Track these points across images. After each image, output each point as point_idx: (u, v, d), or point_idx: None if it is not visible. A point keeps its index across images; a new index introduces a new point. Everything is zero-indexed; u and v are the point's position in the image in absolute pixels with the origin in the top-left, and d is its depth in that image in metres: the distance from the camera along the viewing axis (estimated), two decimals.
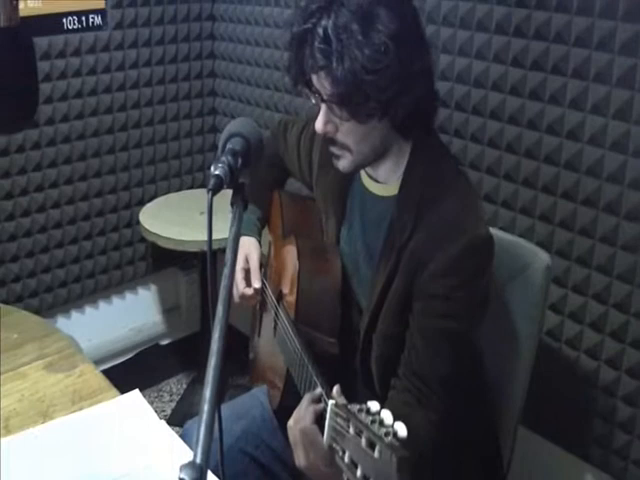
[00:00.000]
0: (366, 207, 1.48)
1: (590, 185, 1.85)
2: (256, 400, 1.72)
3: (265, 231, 1.84)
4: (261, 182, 1.82)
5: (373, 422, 0.95)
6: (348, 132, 1.34)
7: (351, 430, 0.99)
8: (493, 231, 1.45)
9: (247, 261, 1.68)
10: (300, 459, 1.25)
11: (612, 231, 1.83)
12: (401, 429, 0.93)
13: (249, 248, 1.70)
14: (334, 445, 1.07)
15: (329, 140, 1.37)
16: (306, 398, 1.26)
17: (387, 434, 0.92)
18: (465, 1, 2.02)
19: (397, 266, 1.36)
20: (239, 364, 1.88)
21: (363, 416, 0.98)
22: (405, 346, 1.37)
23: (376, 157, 1.40)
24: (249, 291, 1.65)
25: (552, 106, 1.89)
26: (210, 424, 0.79)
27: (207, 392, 0.82)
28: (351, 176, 1.50)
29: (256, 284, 1.64)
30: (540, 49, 1.88)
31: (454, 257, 1.30)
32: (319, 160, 1.61)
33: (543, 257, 1.58)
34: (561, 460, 2.07)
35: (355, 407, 1.00)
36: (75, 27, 2.60)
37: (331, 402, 1.12)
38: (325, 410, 1.14)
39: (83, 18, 2.61)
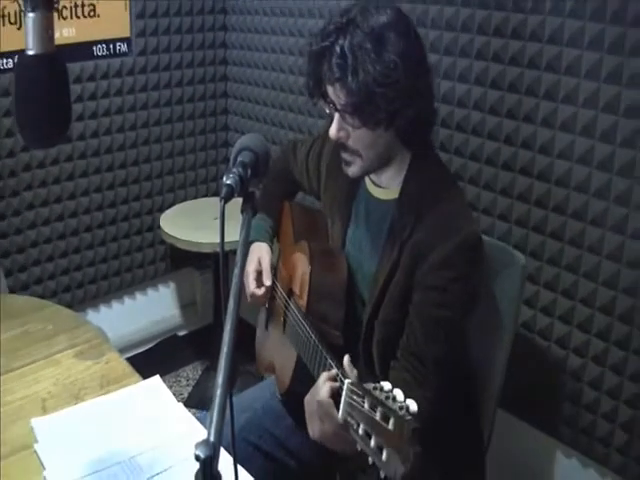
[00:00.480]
0: (370, 210, 1.49)
1: (560, 194, 1.85)
2: (259, 394, 1.70)
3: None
4: (273, 195, 1.82)
5: (387, 398, 0.96)
6: (358, 139, 1.35)
7: (366, 405, 1.00)
8: (484, 237, 1.45)
9: (259, 263, 1.67)
10: (315, 430, 1.26)
11: (579, 235, 1.83)
12: (412, 404, 0.94)
13: (261, 252, 1.69)
14: (349, 419, 1.07)
15: (341, 146, 1.38)
16: (323, 376, 1.26)
17: (401, 408, 0.93)
18: (449, 31, 2.02)
19: (399, 260, 1.37)
20: (249, 353, 1.87)
21: (377, 393, 0.98)
22: (404, 331, 1.38)
23: (381, 163, 1.41)
24: (259, 291, 1.64)
25: (526, 124, 1.89)
26: (222, 407, 0.79)
27: (219, 378, 0.81)
28: (357, 183, 1.51)
29: (267, 282, 1.63)
30: (515, 74, 1.88)
31: (450, 252, 1.31)
32: (327, 171, 1.62)
33: (519, 258, 1.58)
34: (534, 438, 2.07)
35: (370, 385, 1.01)
36: (104, 54, 2.60)
37: (347, 381, 1.12)
38: (341, 388, 1.14)
39: (111, 46, 2.62)
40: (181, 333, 3.21)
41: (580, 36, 1.72)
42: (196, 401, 2.72)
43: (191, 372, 3.06)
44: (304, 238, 1.59)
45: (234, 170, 1.01)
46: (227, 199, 0.97)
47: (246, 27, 2.83)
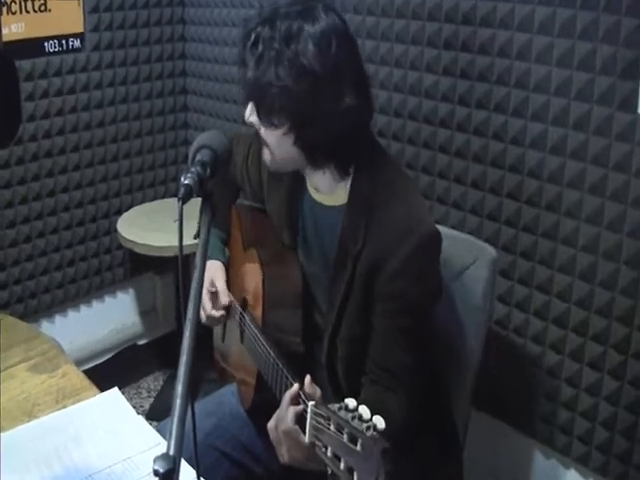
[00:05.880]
0: (317, 217, 1.45)
1: (532, 186, 1.85)
2: (225, 398, 1.67)
3: None
4: (219, 202, 1.74)
5: (353, 418, 0.94)
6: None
7: (332, 427, 0.98)
8: (444, 229, 1.44)
9: (213, 284, 1.62)
10: (284, 457, 1.24)
11: (553, 227, 1.83)
12: (379, 422, 0.93)
13: (215, 272, 1.64)
14: (316, 442, 1.05)
15: (256, 132, 1.37)
16: (285, 400, 1.23)
17: (368, 428, 0.92)
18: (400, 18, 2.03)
19: (354, 276, 1.34)
20: (212, 360, 1.85)
21: (343, 413, 0.97)
22: (369, 344, 1.36)
23: (298, 169, 1.38)
24: (216, 313, 1.60)
25: (497, 114, 1.89)
26: (182, 417, 0.78)
27: (179, 387, 0.81)
28: (299, 190, 1.47)
29: (224, 301, 1.59)
30: (486, 63, 1.89)
31: (406, 258, 1.28)
32: (268, 178, 1.56)
33: (490, 252, 1.57)
34: (510, 438, 2.07)
35: (335, 406, 0.99)
36: (56, 50, 2.56)
37: (311, 403, 1.10)
38: (305, 411, 1.12)
39: (63, 41, 2.57)
40: (141, 342, 3.16)
41: (551, 23, 1.73)
42: (158, 413, 2.70)
43: (152, 383, 3.02)
44: (253, 245, 1.56)
45: (192, 169, 1.00)
46: (185, 200, 0.96)
47: (205, 20, 2.80)
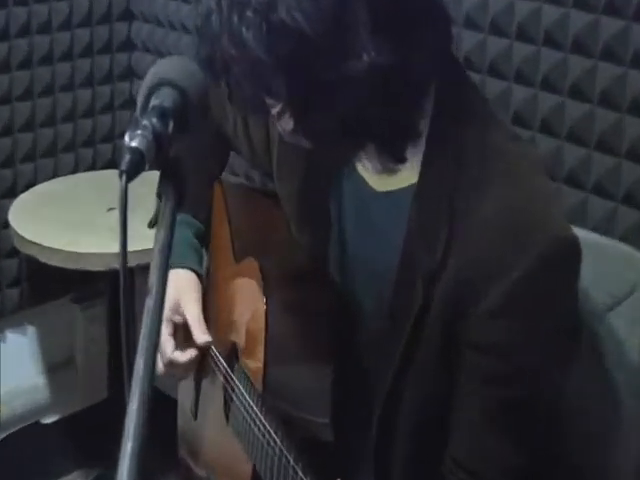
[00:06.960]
0: (366, 210, 1.47)
1: None
2: None
3: None
4: (195, 173, 1.74)
5: None
6: None
7: None
8: (580, 233, 1.45)
9: (178, 310, 1.65)
10: None
11: None
12: None
13: (183, 289, 1.67)
14: None
15: None
16: None
17: None
18: None
19: (426, 308, 1.34)
20: (172, 452, 1.87)
21: None
22: (452, 426, 1.37)
23: None
24: (182, 356, 1.62)
25: None
26: None
27: None
28: (334, 160, 1.49)
29: (200, 339, 1.60)
30: None
31: (521, 282, 1.28)
32: (280, 139, 1.54)
33: None
34: None
35: None
36: None
37: None
38: None
39: None
40: (49, 419, 3.22)
41: None
42: None
43: None
44: (251, 251, 1.58)
45: (145, 122, 1.01)
46: (133, 173, 0.96)
47: None
